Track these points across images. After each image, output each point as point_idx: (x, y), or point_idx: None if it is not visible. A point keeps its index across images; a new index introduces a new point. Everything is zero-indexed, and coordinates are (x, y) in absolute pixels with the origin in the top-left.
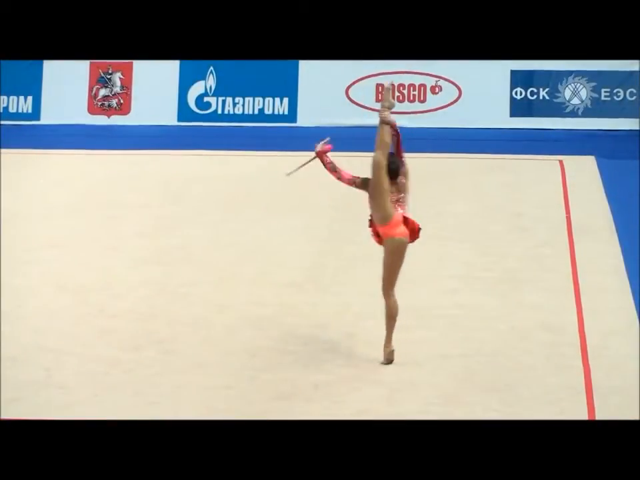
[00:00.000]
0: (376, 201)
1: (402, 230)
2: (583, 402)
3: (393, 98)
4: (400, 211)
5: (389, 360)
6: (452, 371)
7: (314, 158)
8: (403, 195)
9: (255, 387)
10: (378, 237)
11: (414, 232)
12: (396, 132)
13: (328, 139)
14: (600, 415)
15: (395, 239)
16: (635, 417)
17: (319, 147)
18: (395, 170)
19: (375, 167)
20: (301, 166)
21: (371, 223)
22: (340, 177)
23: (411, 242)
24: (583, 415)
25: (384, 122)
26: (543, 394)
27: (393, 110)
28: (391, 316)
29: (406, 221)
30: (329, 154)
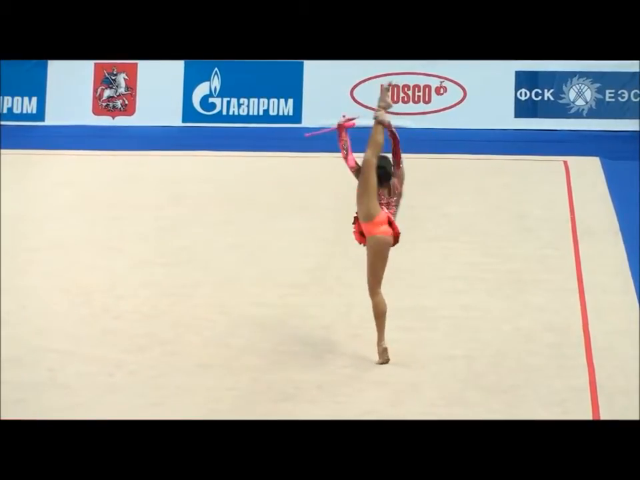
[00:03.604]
0: (362, 198)
1: (385, 229)
2: (588, 402)
3: (397, 99)
4: (385, 211)
5: (384, 359)
6: (456, 371)
7: (334, 129)
8: (394, 198)
9: (259, 388)
10: (361, 236)
11: (395, 236)
12: (392, 134)
13: (358, 117)
14: (604, 416)
15: (377, 237)
16: (639, 417)
17: (343, 120)
18: (386, 173)
19: (364, 164)
20: (321, 131)
21: (355, 220)
22: (346, 158)
23: (392, 245)
24: (587, 416)
25: (378, 122)
26: (547, 395)
27: (393, 111)
28: (377, 314)
29: (390, 222)
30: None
